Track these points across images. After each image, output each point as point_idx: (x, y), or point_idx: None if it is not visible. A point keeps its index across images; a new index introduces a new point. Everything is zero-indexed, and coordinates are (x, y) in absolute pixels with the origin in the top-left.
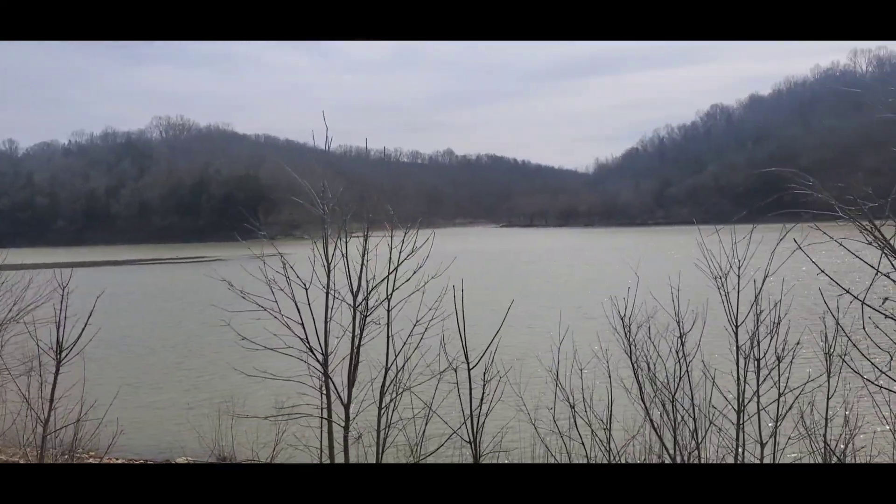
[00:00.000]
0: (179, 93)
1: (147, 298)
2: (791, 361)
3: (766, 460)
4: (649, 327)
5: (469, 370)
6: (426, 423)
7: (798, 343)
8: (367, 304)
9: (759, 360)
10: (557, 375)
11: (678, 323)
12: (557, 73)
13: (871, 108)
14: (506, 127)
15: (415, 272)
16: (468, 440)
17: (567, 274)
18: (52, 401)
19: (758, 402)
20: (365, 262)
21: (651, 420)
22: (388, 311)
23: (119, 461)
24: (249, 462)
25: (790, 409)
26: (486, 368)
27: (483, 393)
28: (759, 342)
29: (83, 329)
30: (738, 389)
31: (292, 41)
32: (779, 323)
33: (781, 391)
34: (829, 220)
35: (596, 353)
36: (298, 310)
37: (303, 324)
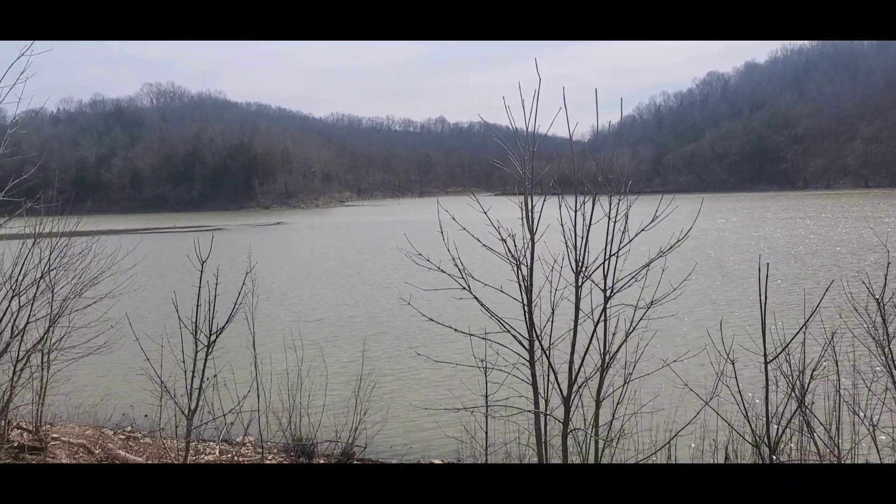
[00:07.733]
0: (167, 57)
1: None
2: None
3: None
4: None
5: None
6: None
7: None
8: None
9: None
10: None
11: None
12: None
13: (868, 75)
14: (498, 93)
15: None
16: None
17: None
18: (199, 390)
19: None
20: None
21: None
22: (606, 293)
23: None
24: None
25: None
26: None
27: None
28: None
29: (234, 309)
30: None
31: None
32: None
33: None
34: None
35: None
36: None
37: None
